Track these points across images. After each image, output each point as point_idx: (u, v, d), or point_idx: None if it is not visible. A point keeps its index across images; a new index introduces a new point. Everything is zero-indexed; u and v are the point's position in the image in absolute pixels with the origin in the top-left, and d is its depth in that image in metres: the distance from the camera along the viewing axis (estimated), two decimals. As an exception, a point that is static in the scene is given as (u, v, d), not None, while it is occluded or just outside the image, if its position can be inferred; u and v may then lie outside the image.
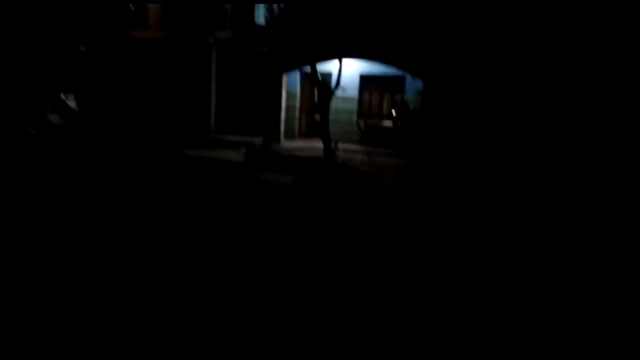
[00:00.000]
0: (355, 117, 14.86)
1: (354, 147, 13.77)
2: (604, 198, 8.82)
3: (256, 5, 15.09)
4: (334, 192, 8.71)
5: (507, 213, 7.66)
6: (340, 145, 12.95)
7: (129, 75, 16.09)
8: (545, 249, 5.95)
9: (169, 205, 7.23)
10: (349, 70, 14.54)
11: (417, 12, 12.73)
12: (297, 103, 15.20)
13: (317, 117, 14.58)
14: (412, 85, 14.17)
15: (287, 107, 14.85)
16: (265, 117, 14.48)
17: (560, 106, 11.56)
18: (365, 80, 14.81)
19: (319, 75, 12.93)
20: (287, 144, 13.86)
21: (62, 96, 12.28)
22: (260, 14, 15.08)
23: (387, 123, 14.35)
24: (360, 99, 14.91)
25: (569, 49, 11.44)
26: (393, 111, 14.32)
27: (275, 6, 14.05)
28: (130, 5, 15.86)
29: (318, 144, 12.96)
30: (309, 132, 15.24)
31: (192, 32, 15.57)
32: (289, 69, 14.40)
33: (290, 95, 14.94)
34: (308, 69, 14.12)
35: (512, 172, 10.89)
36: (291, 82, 14.97)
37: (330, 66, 14.41)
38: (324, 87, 12.69)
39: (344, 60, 13.91)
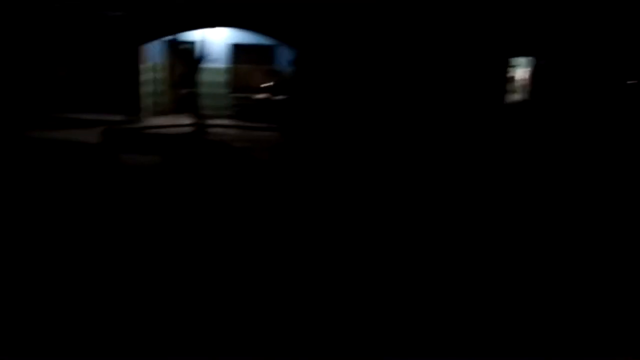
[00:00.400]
0: (226, 90, 14.00)
1: (227, 122, 12.97)
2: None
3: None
4: (206, 170, 7.98)
5: (376, 188, 7.62)
6: (213, 121, 12.07)
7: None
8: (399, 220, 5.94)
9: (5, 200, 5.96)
10: (217, 40, 13.57)
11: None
12: (161, 75, 13.88)
13: (185, 90, 13.47)
14: (284, 55, 13.67)
15: (150, 81, 13.47)
16: (124, 92, 12.98)
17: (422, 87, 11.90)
18: (235, 50, 13.97)
19: (184, 44, 11.87)
20: (152, 121, 12.59)
21: None
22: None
23: (262, 95, 13.72)
24: (232, 71, 14.06)
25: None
26: (267, 83, 13.74)
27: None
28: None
29: (188, 120, 11.96)
30: (177, 107, 14.04)
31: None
32: (149, 38, 13.00)
33: (153, 67, 13.56)
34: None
35: (382, 146, 11.02)
36: (153, 52, 13.56)
37: (197, 35, 13.28)
38: (190, 58, 11.68)
39: (213, 28, 12.91)
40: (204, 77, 13.41)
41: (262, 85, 13.83)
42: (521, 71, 12.92)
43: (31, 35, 13.49)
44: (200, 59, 12.06)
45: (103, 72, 13.45)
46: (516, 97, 12.74)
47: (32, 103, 13.28)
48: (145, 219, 5.52)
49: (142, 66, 13.04)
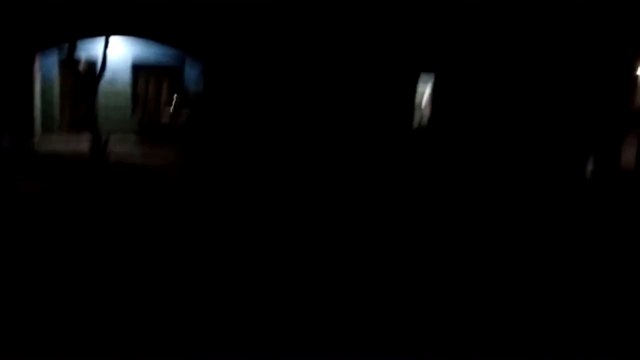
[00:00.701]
0: (129, 108, 13.44)
1: (130, 141, 12.43)
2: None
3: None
4: (105, 197, 7.55)
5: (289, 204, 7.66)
6: (114, 141, 11.46)
7: None
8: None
9: None
10: (119, 57, 13.01)
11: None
12: (57, 91, 13.03)
13: (83, 108, 12.72)
14: (189, 73, 13.41)
15: (45, 96, 12.60)
16: (14, 108, 11.99)
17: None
18: (138, 67, 13.48)
19: (78, 57, 11.17)
20: (46, 141, 11.75)
21: None
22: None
23: (166, 114, 13.31)
24: (135, 88, 13.54)
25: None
26: (173, 99, 13.37)
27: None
28: None
29: (86, 140, 11.28)
30: (75, 125, 13.24)
31: None
32: (43, 47, 12.11)
33: (47, 81, 12.69)
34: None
35: (288, 160, 11.07)
36: (48, 66, 12.71)
37: (96, 50, 12.61)
38: (87, 72, 11.05)
39: (113, 44, 12.30)
40: (106, 94, 12.78)
41: (167, 105, 13.45)
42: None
43: None
44: (99, 75, 11.45)
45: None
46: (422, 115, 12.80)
47: None
48: (21, 253, 5.09)
49: (36, 84, 12.15)
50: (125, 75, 13.32)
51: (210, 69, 12.19)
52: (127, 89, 13.39)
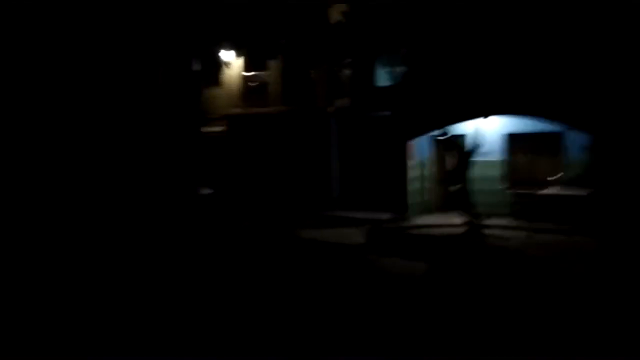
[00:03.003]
0: (500, 185, 12.05)
1: (505, 222, 10.88)
2: None
3: (376, 68, 13.59)
4: (489, 289, 6.08)
5: None
6: (487, 221, 10.18)
7: (250, 152, 15.31)
8: None
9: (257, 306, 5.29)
10: (490, 130, 12.00)
11: (576, 52, 10.07)
12: (428, 172, 12.91)
13: (454, 187, 12.07)
14: (574, 141, 11.15)
15: (416, 178, 12.62)
16: (390, 189, 12.37)
17: None
18: (512, 139, 12.11)
19: (455, 139, 10.75)
20: (419, 220, 11.48)
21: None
22: (380, 78, 13.51)
23: (549, 191, 11.22)
24: (509, 163, 12.14)
25: None
26: (555, 175, 11.30)
27: (398, 68, 12.44)
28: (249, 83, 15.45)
29: (456, 220, 10.40)
30: (444, 205, 12.68)
31: (311, 104, 14.49)
32: (416, 134, 12.37)
33: (419, 164, 12.74)
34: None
35: None
36: (419, 149, 12.81)
37: (467, 126, 12.00)
38: (461, 151, 10.37)
39: (485, 118, 11.49)
40: (476, 172, 11.82)
41: (549, 179, 11.42)
42: None
43: (311, 141, 14.45)
44: (471, 151, 10.63)
45: (372, 171, 13.28)
46: None
47: (307, 201, 13.86)
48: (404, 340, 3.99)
49: (409, 162, 12.35)
50: (497, 146, 12.15)
51: (599, 141, 9.84)
52: (500, 161, 12.14)
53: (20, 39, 11.09)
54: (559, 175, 11.27)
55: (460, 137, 12.08)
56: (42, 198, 10.48)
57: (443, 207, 12.63)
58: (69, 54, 11.74)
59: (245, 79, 15.54)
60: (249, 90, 15.48)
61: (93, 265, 7.27)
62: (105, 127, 12.15)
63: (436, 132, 12.08)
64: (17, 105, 10.93)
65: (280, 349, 4.17)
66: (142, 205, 11.98)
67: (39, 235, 8.98)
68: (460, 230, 9.50)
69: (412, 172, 12.39)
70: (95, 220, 10.68)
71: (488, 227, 9.79)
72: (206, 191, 14.73)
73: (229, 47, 15.45)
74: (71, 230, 9.68)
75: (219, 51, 15.53)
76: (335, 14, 14.00)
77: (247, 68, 15.52)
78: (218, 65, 15.80)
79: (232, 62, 15.63)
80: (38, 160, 10.90)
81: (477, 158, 11.19)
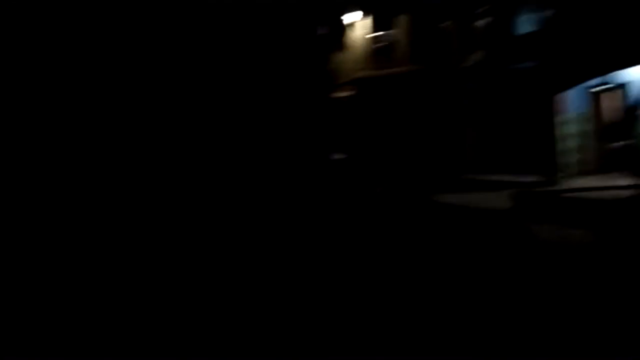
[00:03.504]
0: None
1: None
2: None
3: (517, 14, 12.16)
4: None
5: None
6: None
7: (379, 114, 14.92)
8: None
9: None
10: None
11: None
12: (581, 128, 11.38)
13: (617, 144, 10.51)
14: None
15: (567, 135, 11.20)
16: (536, 150, 11.15)
17: None
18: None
19: (617, 88, 9.25)
20: (573, 182, 10.21)
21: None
22: (521, 24, 12.07)
23: None
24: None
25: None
26: None
27: (543, 10, 10.96)
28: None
29: (621, 182, 9.02)
30: (605, 165, 11.13)
31: (442, 60, 13.58)
32: (567, 85, 10.90)
33: (571, 120, 11.27)
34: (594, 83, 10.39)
35: None
36: (571, 101, 11.31)
37: (632, 73, 10.24)
38: (627, 103, 8.90)
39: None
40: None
41: None
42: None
43: (441, 100, 13.59)
44: (637, 103, 9.08)
45: (513, 129, 12.11)
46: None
47: (442, 165, 13.15)
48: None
49: (557, 118, 10.99)
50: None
51: None
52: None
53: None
54: None
55: (625, 86, 10.41)
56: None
57: (602, 168, 11.09)
58: (207, 23, 12.20)
59: (372, 40, 15.03)
60: (376, 51, 14.96)
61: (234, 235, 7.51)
62: (240, 97, 12.61)
63: (593, 82, 10.55)
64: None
65: (423, 328, 3.82)
66: (277, 172, 12.32)
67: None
68: (628, 193, 8.20)
69: (562, 129, 11.01)
70: (235, 186, 11.19)
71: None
72: (338, 156, 14.72)
73: (354, 9, 15.01)
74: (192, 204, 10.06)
75: (344, 14, 15.18)
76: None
77: (373, 28, 14.99)
78: (343, 29, 15.50)
79: (357, 23, 15.20)
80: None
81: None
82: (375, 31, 14.91)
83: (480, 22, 12.91)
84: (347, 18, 15.19)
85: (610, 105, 10.90)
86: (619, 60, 9.42)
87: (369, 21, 14.99)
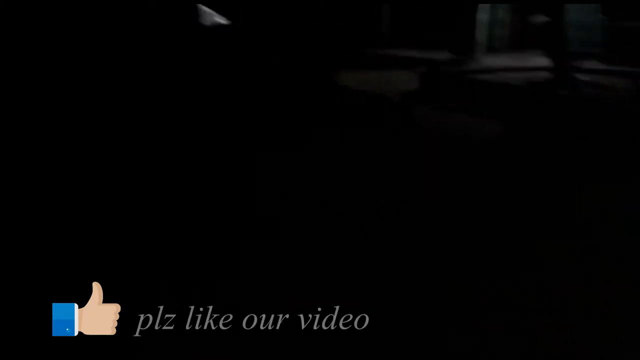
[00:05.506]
0: (601, 17, 9.21)
1: (602, 66, 8.35)
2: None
3: None
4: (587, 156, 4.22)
5: None
6: (581, 64, 7.73)
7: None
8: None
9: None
10: None
11: None
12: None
13: (538, 18, 9.40)
14: None
15: (486, 7, 9.91)
16: (451, 22, 9.81)
17: None
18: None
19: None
20: (486, 60, 9.13)
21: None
22: None
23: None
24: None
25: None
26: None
27: None
28: None
29: (540, 62, 8.04)
30: (524, 42, 10.14)
31: None
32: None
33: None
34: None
35: None
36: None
37: None
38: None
39: None
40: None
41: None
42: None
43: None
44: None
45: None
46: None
47: (347, 36, 11.50)
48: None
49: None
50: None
51: None
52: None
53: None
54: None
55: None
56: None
57: (520, 44, 10.10)
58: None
59: None
60: None
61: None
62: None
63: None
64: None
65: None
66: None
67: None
68: (546, 76, 7.24)
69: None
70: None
71: (582, 71, 7.42)
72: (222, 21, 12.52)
73: None
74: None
75: None
76: None
77: None
78: None
79: None
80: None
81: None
82: None
83: None
84: None
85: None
86: None
87: None
